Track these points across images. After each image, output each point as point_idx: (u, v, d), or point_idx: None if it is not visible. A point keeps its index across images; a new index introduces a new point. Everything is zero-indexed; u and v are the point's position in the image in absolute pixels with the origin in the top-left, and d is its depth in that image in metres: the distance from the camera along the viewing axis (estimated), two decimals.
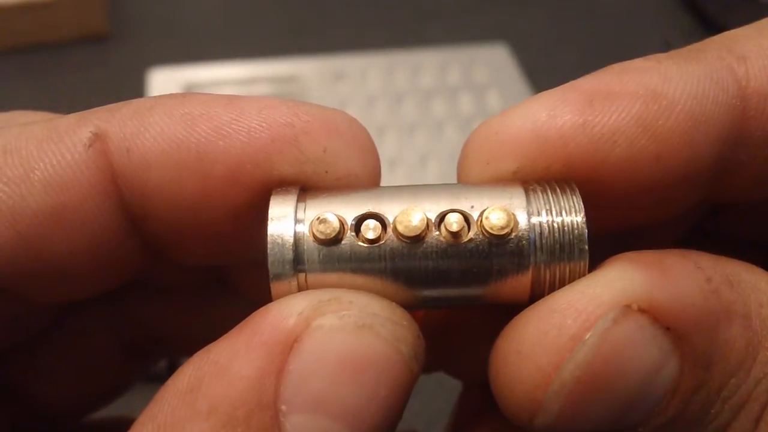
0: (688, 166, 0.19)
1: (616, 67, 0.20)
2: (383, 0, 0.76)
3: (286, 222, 0.17)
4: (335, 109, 0.20)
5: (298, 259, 0.17)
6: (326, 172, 0.19)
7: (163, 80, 0.61)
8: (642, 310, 0.17)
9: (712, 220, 0.25)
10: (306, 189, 0.18)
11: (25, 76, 0.63)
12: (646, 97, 0.19)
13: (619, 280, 0.17)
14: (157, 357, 0.31)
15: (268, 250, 0.17)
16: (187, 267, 0.22)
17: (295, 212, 0.17)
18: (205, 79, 0.62)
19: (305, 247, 0.17)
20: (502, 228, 0.17)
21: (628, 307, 0.17)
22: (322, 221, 0.17)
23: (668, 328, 0.17)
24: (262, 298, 0.18)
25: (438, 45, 0.71)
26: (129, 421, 0.17)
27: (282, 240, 0.17)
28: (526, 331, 0.17)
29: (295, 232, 0.17)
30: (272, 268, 0.17)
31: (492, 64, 0.69)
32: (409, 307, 0.18)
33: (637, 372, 0.17)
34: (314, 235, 0.17)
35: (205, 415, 0.16)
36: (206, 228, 0.19)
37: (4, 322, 0.21)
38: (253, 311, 0.17)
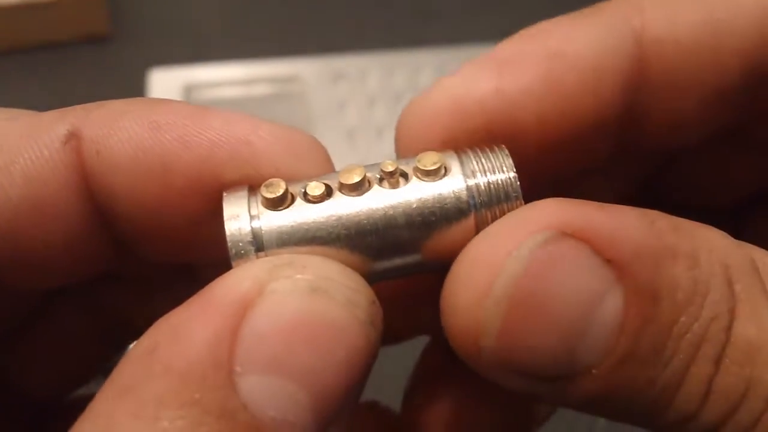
0: (596, 117, 0.20)
1: (525, 32, 0.22)
2: (383, 0, 0.76)
3: (239, 209, 0.18)
4: (295, 130, 0.21)
5: (254, 238, 0.18)
6: None
7: (164, 80, 0.61)
8: (578, 237, 0.17)
9: (662, 189, 0.27)
10: (253, 187, 0.19)
11: (26, 76, 0.64)
12: (550, 58, 0.20)
13: (555, 208, 0.18)
14: (129, 342, 0.32)
15: (227, 235, 0.18)
16: (155, 262, 0.23)
17: (248, 201, 0.18)
18: (205, 79, 0.62)
19: (261, 225, 0.18)
20: (435, 163, 0.18)
21: (562, 231, 0.17)
22: (268, 185, 0.18)
23: (609, 261, 0.17)
24: None
25: (438, 45, 0.71)
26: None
27: (237, 223, 0.18)
28: (464, 257, 0.18)
29: (250, 215, 0.18)
30: (231, 249, 0.18)
31: None
32: (365, 275, 0.18)
33: (574, 297, 0.17)
34: (264, 198, 0.18)
35: (161, 374, 0.16)
36: (168, 229, 0.21)
37: None
38: None
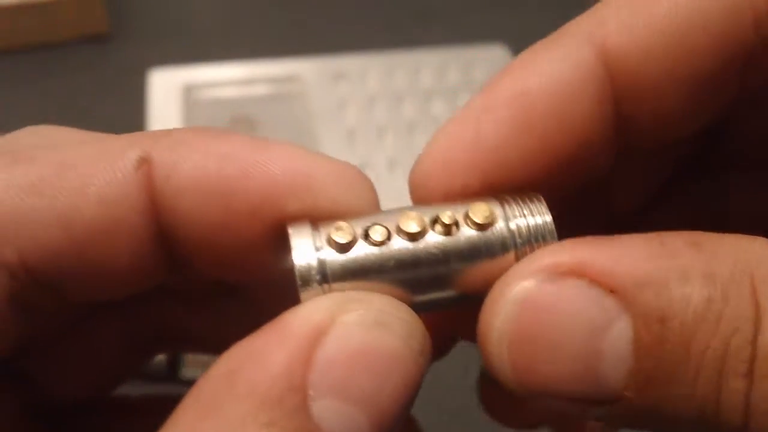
0: (577, 143, 0.21)
1: (498, 75, 0.22)
2: (383, 0, 0.76)
3: (305, 244, 0.21)
4: (348, 164, 0.22)
5: (320, 271, 0.20)
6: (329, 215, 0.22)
7: (163, 80, 0.61)
8: (575, 273, 0.19)
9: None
10: (314, 221, 0.22)
11: (25, 75, 0.64)
12: (516, 98, 0.21)
13: (557, 249, 0.19)
14: (159, 352, 0.34)
15: (296, 268, 0.20)
16: (206, 279, 0.25)
17: (312, 235, 0.21)
18: (205, 79, 0.62)
19: (326, 259, 0.20)
20: (487, 218, 0.21)
21: (556, 271, 0.19)
22: (338, 228, 0.20)
23: (612, 291, 0.18)
24: (272, 306, 0.20)
25: (438, 45, 0.71)
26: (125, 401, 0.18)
27: (306, 258, 0.20)
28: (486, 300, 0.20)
29: (315, 248, 0.20)
30: (300, 281, 0.20)
31: (492, 64, 0.69)
32: (417, 307, 0.21)
33: (578, 329, 0.18)
34: (332, 242, 0.20)
35: (243, 396, 0.18)
36: (224, 251, 0.22)
37: (41, 316, 0.23)
38: (263, 317, 0.20)
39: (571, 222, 0.21)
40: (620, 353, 0.18)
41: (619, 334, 0.18)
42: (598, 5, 0.22)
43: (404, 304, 0.20)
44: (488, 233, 0.21)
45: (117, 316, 0.28)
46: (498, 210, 0.21)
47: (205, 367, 0.44)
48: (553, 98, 0.21)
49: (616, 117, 0.22)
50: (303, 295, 0.20)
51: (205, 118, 0.60)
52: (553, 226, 0.21)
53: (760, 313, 0.18)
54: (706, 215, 0.28)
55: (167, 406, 0.18)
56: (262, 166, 0.21)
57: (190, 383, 0.43)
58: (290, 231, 0.21)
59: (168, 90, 0.61)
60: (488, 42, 0.71)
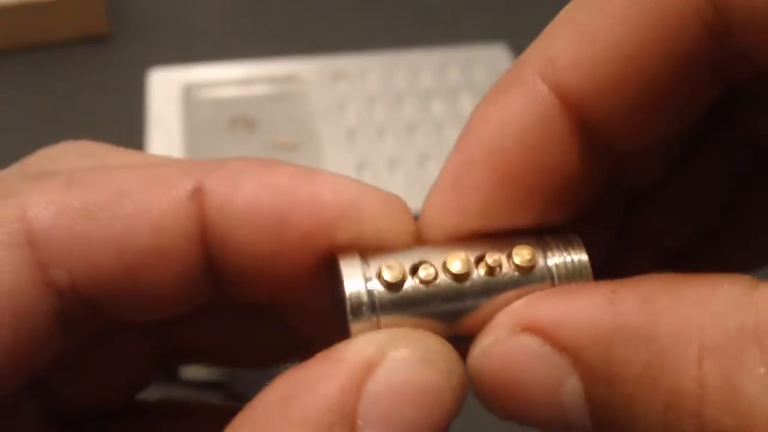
0: (554, 186, 0.22)
1: (466, 133, 0.23)
2: (383, 0, 0.76)
3: (357, 276, 0.22)
4: (392, 194, 0.23)
5: (370, 304, 0.22)
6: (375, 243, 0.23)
7: (163, 80, 0.61)
8: (528, 329, 0.20)
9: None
10: (362, 252, 0.23)
11: (26, 75, 0.64)
12: (491, 161, 0.22)
13: (520, 306, 0.21)
14: (180, 363, 0.36)
15: (347, 301, 0.22)
16: (248, 303, 0.26)
17: (362, 268, 0.22)
18: (205, 79, 0.62)
19: (375, 292, 0.22)
20: (530, 261, 0.22)
21: (513, 328, 0.21)
22: (389, 266, 0.22)
23: (563, 348, 0.19)
24: (304, 327, 0.23)
25: (438, 45, 0.71)
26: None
27: (357, 291, 0.22)
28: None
29: (365, 282, 0.22)
30: (351, 312, 0.22)
31: (492, 64, 0.69)
32: (455, 340, 0.22)
33: (536, 384, 0.20)
34: (383, 280, 0.22)
35: (296, 423, 0.19)
36: (273, 278, 0.23)
37: (80, 334, 0.24)
38: (293, 338, 0.23)
39: (618, 250, 0.24)
40: (579, 405, 0.19)
41: (573, 389, 0.19)
42: (544, 35, 0.22)
43: (447, 342, 0.21)
44: (530, 275, 0.22)
45: (142, 330, 0.29)
46: (539, 252, 0.23)
47: (203, 369, 0.44)
48: (527, 149, 0.22)
49: (590, 142, 0.22)
50: (352, 325, 0.21)
51: (204, 118, 0.61)
52: (588, 265, 0.22)
53: (703, 387, 0.17)
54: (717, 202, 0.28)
55: (179, 410, 0.19)
56: (314, 198, 0.22)
57: (189, 384, 0.43)
58: (341, 263, 0.22)
59: (168, 90, 0.61)
60: (488, 42, 0.71)
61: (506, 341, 0.21)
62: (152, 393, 0.41)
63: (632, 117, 0.22)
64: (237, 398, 0.42)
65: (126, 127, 0.62)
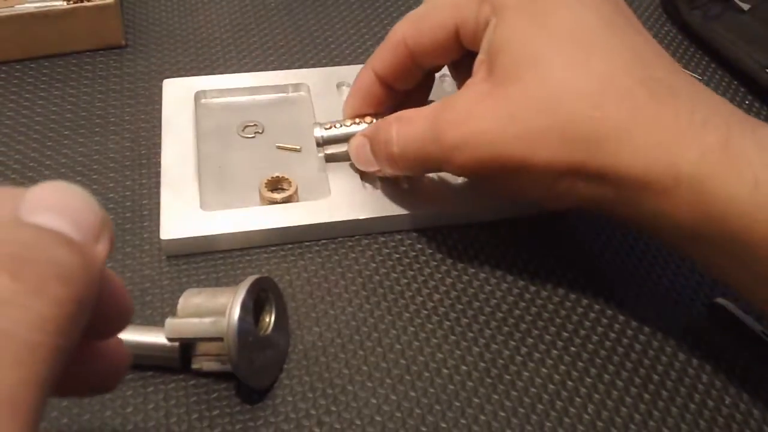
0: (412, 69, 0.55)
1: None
2: (384, 17, 0.78)
3: (317, 129, 0.59)
4: None
5: (319, 140, 0.57)
6: None
7: (176, 88, 0.63)
8: (362, 135, 0.55)
9: None
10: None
11: (45, 82, 0.65)
12: (354, 87, 0.58)
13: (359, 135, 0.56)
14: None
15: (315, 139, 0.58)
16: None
17: (321, 128, 0.57)
18: (214, 87, 0.64)
19: (321, 136, 0.57)
20: (370, 122, 0.54)
21: (363, 135, 0.55)
22: (326, 126, 0.57)
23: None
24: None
25: None
26: None
27: (317, 136, 0.57)
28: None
29: (322, 132, 0.59)
30: (317, 144, 0.57)
31: None
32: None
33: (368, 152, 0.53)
34: (324, 129, 0.57)
35: None
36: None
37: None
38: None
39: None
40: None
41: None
42: (406, 20, 0.53)
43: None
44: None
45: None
46: (379, 117, 0.54)
47: (217, 359, 0.44)
48: (389, 68, 0.53)
49: (413, 61, 0.52)
50: (318, 149, 0.56)
51: (214, 123, 0.62)
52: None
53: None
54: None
55: None
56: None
57: (201, 375, 0.46)
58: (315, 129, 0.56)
59: (180, 97, 0.63)
60: None
61: (354, 141, 0.54)
62: (164, 382, 0.43)
63: (425, 59, 0.51)
64: (247, 388, 0.42)
65: (142, 131, 0.63)
